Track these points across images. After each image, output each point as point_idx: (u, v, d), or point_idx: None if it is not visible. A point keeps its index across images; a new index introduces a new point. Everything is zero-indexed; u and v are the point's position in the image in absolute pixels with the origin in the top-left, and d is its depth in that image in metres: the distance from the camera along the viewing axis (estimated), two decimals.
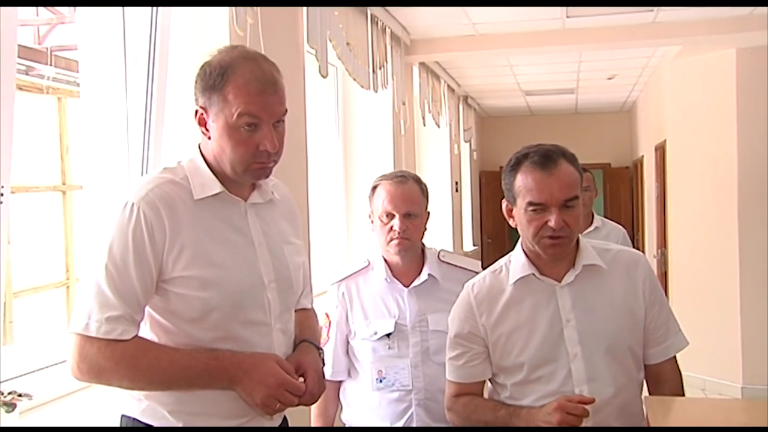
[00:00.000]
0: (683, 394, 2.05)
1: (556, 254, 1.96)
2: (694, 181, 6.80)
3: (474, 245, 10.65)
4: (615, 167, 11.33)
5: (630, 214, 10.67)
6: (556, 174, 1.91)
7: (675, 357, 2.06)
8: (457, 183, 9.17)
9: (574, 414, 1.80)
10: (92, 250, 1.74)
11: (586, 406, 1.82)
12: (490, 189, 11.75)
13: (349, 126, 5.73)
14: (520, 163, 1.96)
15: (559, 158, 1.93)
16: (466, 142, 9.69)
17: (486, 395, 2.15)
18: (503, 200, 2.05)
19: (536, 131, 10.82)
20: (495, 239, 11.55)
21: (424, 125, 7.01)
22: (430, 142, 8.35)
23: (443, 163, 8.53)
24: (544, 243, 1.93)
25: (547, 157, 1.92)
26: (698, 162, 6.73)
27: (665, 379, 2.04)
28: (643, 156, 9.69)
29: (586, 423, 1.90)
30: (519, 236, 2.05)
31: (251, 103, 1.69)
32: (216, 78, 1.71)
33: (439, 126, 7.59)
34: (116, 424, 1.82)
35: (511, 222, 2.04)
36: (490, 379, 2.08)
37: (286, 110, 1.78)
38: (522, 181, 1.94)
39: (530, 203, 1.92)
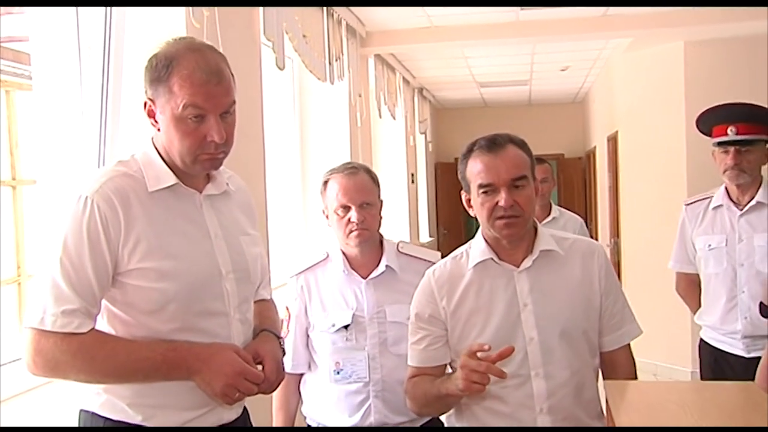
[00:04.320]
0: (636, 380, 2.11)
1: (511, 235, 2.00)
2: (645, 171, 6.95)
3: (430, 236, 10.72)
4: (568, 158, 11.50)
5: (583, 204, 10.84)
6: (502, 156, 1.98)
7: (629, 345, 2.11)
8: (413, 175, 9.22)
9: (478, 372, 1.77)
10: (46, 244, 1.72)
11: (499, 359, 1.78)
12: (446, 180, 11.83)
13: (306, 118, 5.72)
14: (471, 150, 2.04)
15: (506, 143, 2.01)
16: (421, 134, 9.74)
17: None
18: (462, 191, 2.10)
19: (490, 122, 10.89)
20: (451, 230, 11.65)
21: (380, 117, 7.03)
22: (386, 134, 8.38)
23: (399, 155, 8.56)
24: (498, 225, 1.98)
25: (493, 142, 2.01)
26: (649, 153, 6.88)
27: (619, 365, 2.09)
28: (595, 147, 9.85)
29: (541, 406, 1.96)
30: (475, 226, 2.10)
31: (196, 94, 1.69)
32: (161, 69, 1.71)
33: (394, 118, 7.62)
34: (75, 419, 1.80)
35: (470, 211, 2.09)
36: (450, 365, 2.10)
37: (234, 101, 1.78)
38: (472, 166, 2.02)
39: (480, 185, 1.98)
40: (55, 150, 2.62)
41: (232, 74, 1.78)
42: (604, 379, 2.10)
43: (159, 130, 1.76)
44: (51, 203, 2.59)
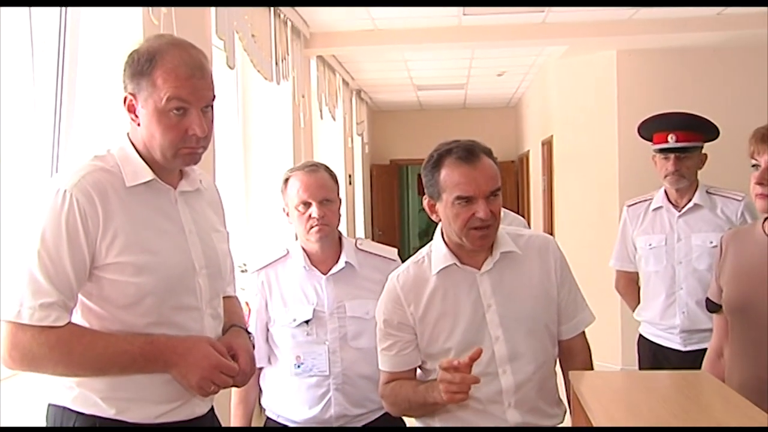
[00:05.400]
0: (592, 366, 2.21)
1: (484, 245, 2.05)
2: (579, 175, 7.17)
3: (365, 237, 10.78)
4: (501, 161, 11.50)
5: (515, 206, 11.05)
6: (480, 167, 2.00)
7: (584, 332, 2.20)
8: (350, 176, 9.27)
9: (457, 385, 1.84)
10: (20, 238, 1.71)
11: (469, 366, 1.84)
12: (381, 182, 11.94)
13: (248, 119, 5.71)
14: (443, 158, 2.03)
15: (480, 153, 2.02)
16: (358, 135, 9.79)
17: None
18: (424, 196, 2.12)
19: (426, 126, 11.07)
20: (385, 231, 11.75)
21: (322, 118, 7.06)
22: (325, 135, 8.40)
23: (337, 157, 8.59)
24: (473, 235, 2.01)
25: (470, 152, 2.01)
26: (583, 157, 7.11)
27: (576, 352, 2.19)
28: (528, 151, 10.08)
29: (509, 401, 2.03)
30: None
31: (180, 87, 1.72)
32: (144, 63, 1.73)
33: (335, 119, 7.66)
34: (42, 414, 1.80)
35: (433, 217, 2.11)
36: (420, 367, 2.15)
37: (215, 96, 1.82)
38: (448, 176, 2.01)
39: (458, 197, 1.99)
40: (6, 150, 2.58)
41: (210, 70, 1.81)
42: (561, 366, 2.19)
43: (139, 125, 1.78)
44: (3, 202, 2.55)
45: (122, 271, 1.71)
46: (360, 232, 10.33)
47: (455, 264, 2.09)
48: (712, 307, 2.37)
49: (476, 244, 2.03)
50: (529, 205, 10.10)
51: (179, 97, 1.72)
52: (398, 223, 12.49)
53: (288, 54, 5.24)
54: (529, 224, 9.92)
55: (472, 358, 1.85)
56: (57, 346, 1.64)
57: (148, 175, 1.79)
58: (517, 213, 4.39)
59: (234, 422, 2.63)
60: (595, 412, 1.50)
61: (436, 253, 2.13)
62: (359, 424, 2.52)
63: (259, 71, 4.58)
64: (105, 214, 1.70)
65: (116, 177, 1.77)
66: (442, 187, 2.03)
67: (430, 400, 1.97)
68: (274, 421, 2.59)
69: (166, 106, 1.72)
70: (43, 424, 1.81)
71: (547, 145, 8.12)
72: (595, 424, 1.47)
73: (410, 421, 2.30)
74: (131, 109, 1.78)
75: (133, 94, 1.76)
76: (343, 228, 8.59)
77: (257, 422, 2.69)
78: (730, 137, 3.43)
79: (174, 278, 1.79)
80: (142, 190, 1.79)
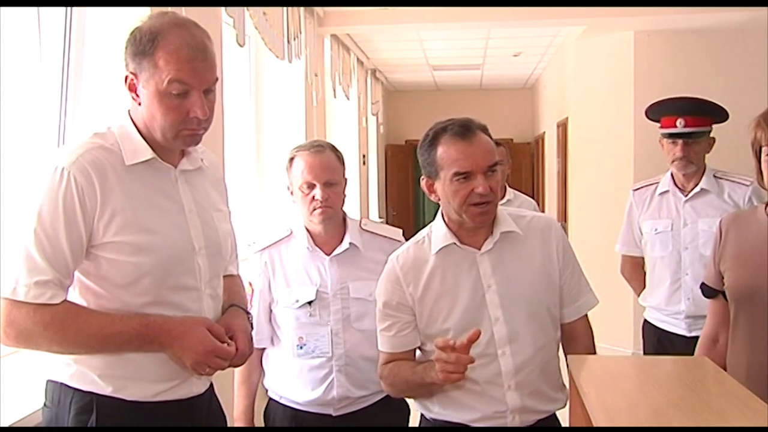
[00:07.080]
0: (595, 350, 2.18)
1: (484, 221, 2.02)
2: (594, 157, 7.11)
3: (380, 217, 10.78)
4: (517, 143, 11.66)
5: (531, 188, 11.01)
6: (477, 143, 1.98)
7: (587, 315, 2.17)
8: (364, 156, 9.26)
9: (453, 364, 1.82)
10: (18, 215, 1.72)
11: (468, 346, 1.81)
12: (396, 162, 11.92)
13: (261, 97, 5.70)
14: (439, 136, 2.02)
15: (476, 129, 2.01)
16: (373, 115, 9.77)
17: None
18: (422, 177, 2.10)
19: (441, 106, 10.98)
20: (400, 211, 11.76)
21: (335, 97, 7.04)
22: (339, 114, 8.38)
23: (351, 136, 8.58)
24: (473, 211, 1.99)
25: (466, 128, 2.00)
26: (598, 139, 7.04)
27: (579, 336, 2.16)
28: (544, 132, 10.01)
29: (509, 383, 2.02)
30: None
31: (182, 69, 1.70)
32: (146, 43, 1.71)
33: (348, 98, 7.63)
34: (41, 390, 1.82)
35: (432, 197, 2.09)
36: (419, 348, 2.14)
37: (217, 78, 1.80)
38: (444, 152, 1.99)
39: (456, 173, 1.97)
40: (14, 127, 2.58)
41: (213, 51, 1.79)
42: (564, 350, 2.17)
43: (140, 104, 1.76)
44: (9, 180, 2.56)
45: (120, 251, 1.71)
46: (374, 212, 10.34)
47: (455, 244, 2.07)
48: (709, 292, 2.33)
49: (476, 220, 2.01)
50: (544, 186, 10.05)
51: (181, 80, 1.70)
52: (413, 203, 12.48)
53: (301, 32, 5.21)
54: (543, 206, 9.95)
55: (470, 340, 1.82)
56: (52, 324, 1.64)
57: (147, 153, 1.78)
58: (532, 195, 4.38)
59: (237, 403, 2.64)
60: (589, 397, 1.48)
61: (436, 233, 2.11)
62: (362, 406, 2.51)
63: (270, 49, 4.56)
64: (103, 192, 1.69)
65: (115, 155, 1.75)
66: (439, 164, 2.01)
67: (428, 380, 1.96)
68: (277, 402, 2.59)
69: (167, 88, 1.70)
70: (42, 400, 1.82)
71: (563, 127, 8.06)
72: (588, 410, 1.46)
73: (415, 417, 2.28)
74: (132, 88, 1.76)
75: (134, 74, 1.74)
76: (357, 208, 8.68)
77: (260, 403, 2.70)
78: (748, 121, 3.38)
79: (172, 258, 1.78)
80: (142, 169, 1.78)
